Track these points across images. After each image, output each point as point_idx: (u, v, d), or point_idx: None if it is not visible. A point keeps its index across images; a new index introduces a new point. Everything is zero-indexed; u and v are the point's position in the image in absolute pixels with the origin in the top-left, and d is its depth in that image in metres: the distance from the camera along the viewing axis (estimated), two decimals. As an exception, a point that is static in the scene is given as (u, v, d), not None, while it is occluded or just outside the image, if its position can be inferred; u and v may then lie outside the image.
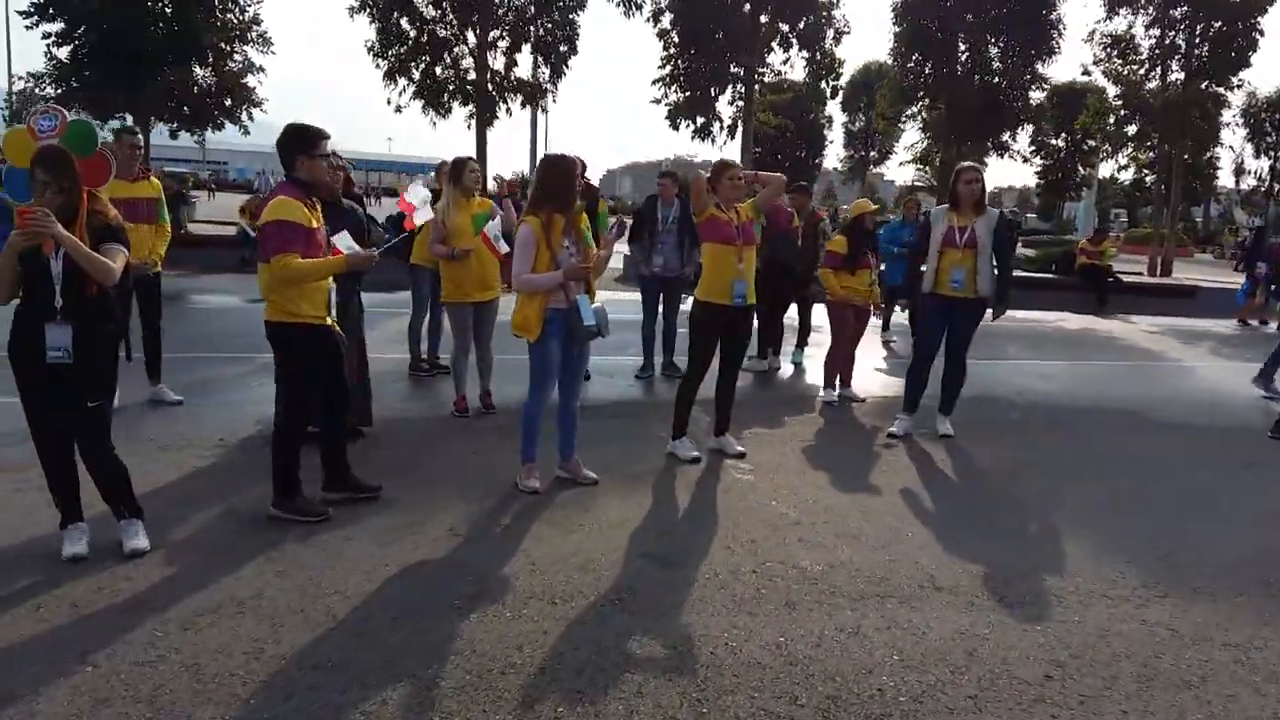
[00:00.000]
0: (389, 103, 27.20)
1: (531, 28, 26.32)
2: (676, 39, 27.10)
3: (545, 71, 27.00)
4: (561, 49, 26.65)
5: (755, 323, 6.67)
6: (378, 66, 27.19)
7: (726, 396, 5.82)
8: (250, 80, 23.92)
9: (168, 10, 22.02)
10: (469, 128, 27.87)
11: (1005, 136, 32.03)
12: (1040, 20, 28.88)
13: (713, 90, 27.83)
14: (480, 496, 4.82)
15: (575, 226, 4.83)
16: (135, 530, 3.95)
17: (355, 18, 26.26)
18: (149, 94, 22.39)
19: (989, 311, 6.31)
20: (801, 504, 4.98)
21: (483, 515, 4.58)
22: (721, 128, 28.49)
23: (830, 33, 27.81)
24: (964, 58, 30.16)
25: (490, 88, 26.76)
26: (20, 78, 22.70)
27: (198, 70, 23.42)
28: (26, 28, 22.04)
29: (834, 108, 54.34)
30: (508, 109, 27.34)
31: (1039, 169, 51.83)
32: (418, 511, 4.56)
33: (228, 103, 24.19)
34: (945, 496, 5.33)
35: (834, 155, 60.64)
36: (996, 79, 30.17)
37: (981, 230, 6.13)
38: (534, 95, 27.15)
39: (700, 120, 28.32)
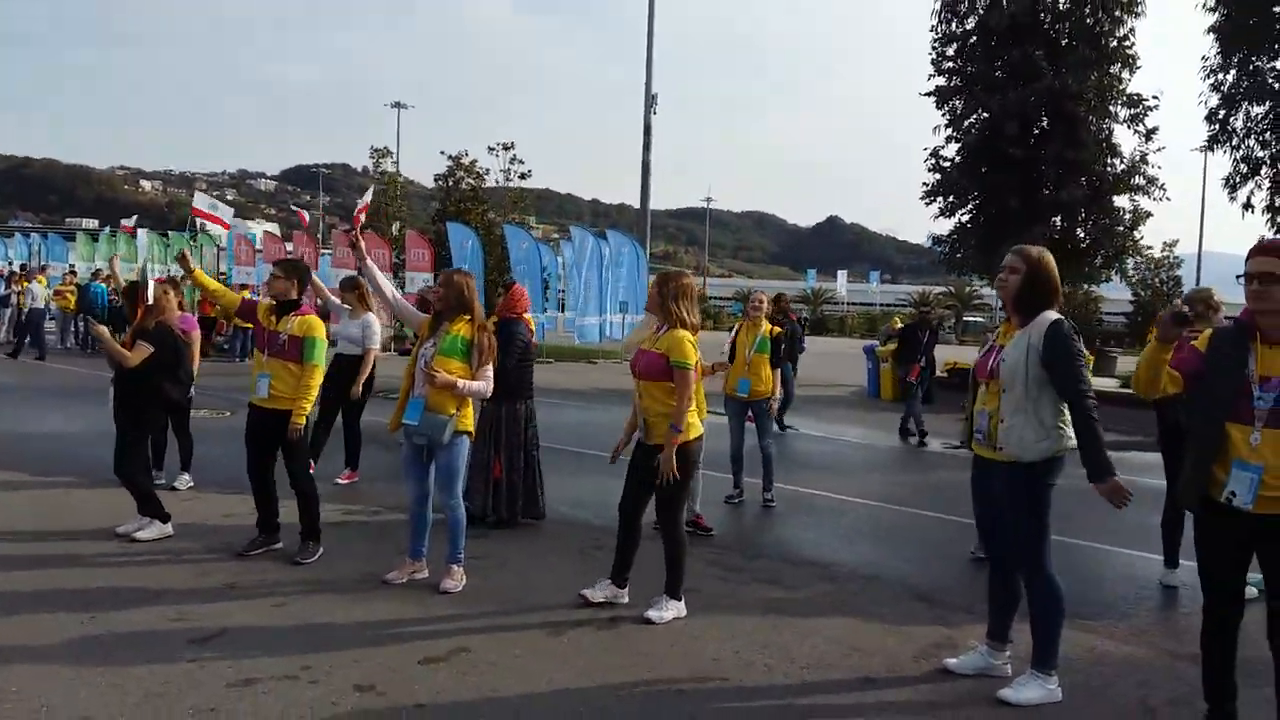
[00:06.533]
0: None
1: None
2: None
3: None
4: None
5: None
6: (1233, 199, 21.75)
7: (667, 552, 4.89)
8: (1136, 233, 19.82)
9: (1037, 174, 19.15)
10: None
11: None
12: None
13: None
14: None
15: (437, 333, 5.08)
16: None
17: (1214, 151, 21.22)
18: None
19: None
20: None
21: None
22: None
23: None
24: None
25: None
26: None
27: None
28: (924, 202, 21.35)
29: None
30: None
31: None
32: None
33: (1101, 256, 20.27)
34: None
35: None
36: None
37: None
38: None
39: None
